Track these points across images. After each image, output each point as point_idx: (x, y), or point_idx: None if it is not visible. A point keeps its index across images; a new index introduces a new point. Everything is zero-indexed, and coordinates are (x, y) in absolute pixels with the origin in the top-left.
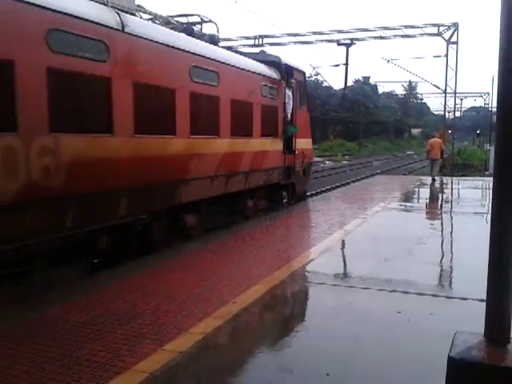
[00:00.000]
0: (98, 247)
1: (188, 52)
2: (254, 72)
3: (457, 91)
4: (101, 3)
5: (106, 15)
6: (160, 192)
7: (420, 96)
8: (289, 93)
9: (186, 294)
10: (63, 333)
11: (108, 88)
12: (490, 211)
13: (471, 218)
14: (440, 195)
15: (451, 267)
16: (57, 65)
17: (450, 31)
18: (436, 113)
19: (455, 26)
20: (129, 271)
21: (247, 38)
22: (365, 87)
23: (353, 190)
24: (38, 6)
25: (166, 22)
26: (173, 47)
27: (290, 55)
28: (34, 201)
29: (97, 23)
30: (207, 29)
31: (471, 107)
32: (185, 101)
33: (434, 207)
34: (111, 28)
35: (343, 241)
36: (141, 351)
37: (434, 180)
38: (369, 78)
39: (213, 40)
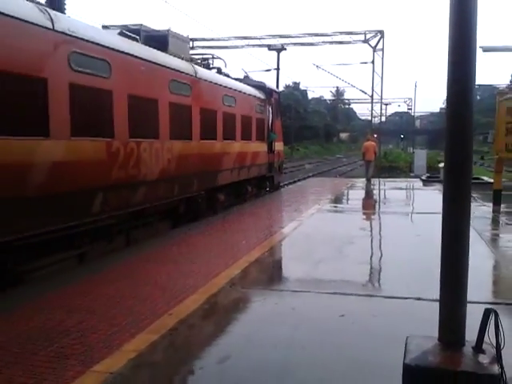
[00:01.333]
0: (179, 211)
1: (222, 86)
2: (251, 95)
3: (382, 97)
4: (180, 58)
5: (189, 67)
6: (210, 177)
7: (347, 102)
8: (270, 108)
9: (117, 308)
10: None
11: (190, 112)
12: (441, 211)
13: (402, 217)
14: (372, 196)
15: (387, 266)
16: (173, 100)
17: (376, 38)
18: (363, 118)
19: (381, 33)
20: (54, 284)
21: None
22: (295, 92)
23: (287, 193)
24: (164, 66)
25: (190, 60)
26: (216, 83)
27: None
28: (163, 179)
29: (187, 73)
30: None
31: (395, 112)
32: (220, 117)
33: (367, 208)
34: (191, 75)
35: (281, 244)
36: (66, 374)
37: (368, 181)
38: (299, 83)
39: (219, 71)
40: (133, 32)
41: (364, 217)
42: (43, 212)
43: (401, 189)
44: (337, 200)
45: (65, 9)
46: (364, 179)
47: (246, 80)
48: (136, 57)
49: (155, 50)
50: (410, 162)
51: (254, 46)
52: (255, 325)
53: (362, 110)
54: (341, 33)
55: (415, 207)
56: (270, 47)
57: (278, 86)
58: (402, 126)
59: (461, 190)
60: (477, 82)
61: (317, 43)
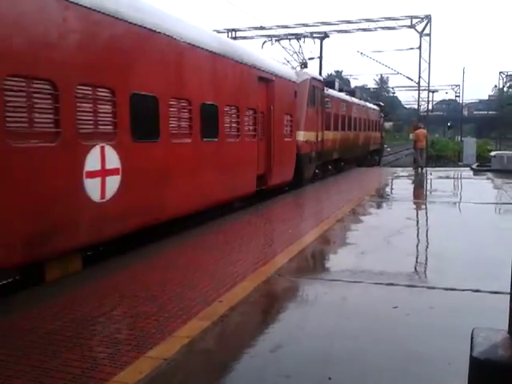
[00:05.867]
0: (359, 161)
1: (369, 108)
2: (375, 109)
3: (430, 84)
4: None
5: (366, 103)
6: (368, 147)
7: (391, 90)
8: (381, 114)
9: (167, 295)
10: (33, 341)
11: (365, 121)
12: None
13: (456, 207)
14: (424, 185)
15: (443, 257)
16: (363, 117)
17: (423, 23)
18: (407, 106)
19: (428, 18)
20: (104, 272)
21: (218, 31)
22: (338, 81)
23: (335, 182)
24: (365, 106)
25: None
26: (365, 106)
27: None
28: (360, 145)
29: (364, 106)
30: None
31: (441, 100)
32: (369, 121)
33: (422, 197)
34: (364, 106)
35: (334, 231)
36: (121, 360)
37: (421, 168)
38: (341, 72)
39: (354, 95)
40: (330, 83)
41: (420, 206)
42: (344, 151)
43: (452, 178)
44: (388, 190)
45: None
46: (411, 168)
47: (370, 101)
48: (357, 104)
49: (363, 102)
50: (458, 151)
51: (296, 34)
52: (306, 314)
53: (406, 98)
54: (386, 18)
55: (469, 197)
56: (312, 35)
57: (320, 75)
58: (448, 115)
59: None
60: None
61: (361, 30)
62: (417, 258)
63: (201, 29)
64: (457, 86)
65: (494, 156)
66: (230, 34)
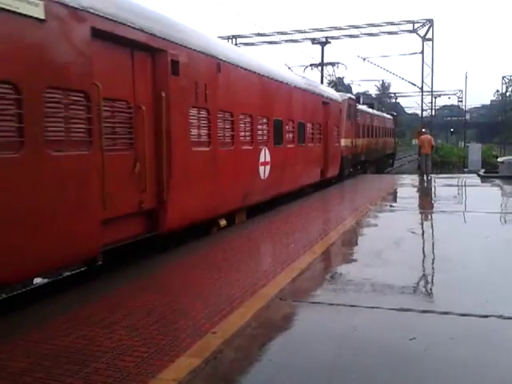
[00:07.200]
0: (377, 162)
1: (385, 117)
2: (389, 119)
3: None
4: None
5: (383, 114)
6: (383, 151)
7: (393, 95)
8: (394, 122)
9: (156, 324)
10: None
11: (382, 129)
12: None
13: (470, 218)
14: (432, 194)
15: (461, 275)
16: (381, 125)
17: (425, 28)
18: (409, 112)
19: (430, 22)
20: (86, 297)
21: (221, 38)
22: (339, 88)
23: (346, 188)
24: (383, 116)
25: (380, 110)
26: (382, 116)
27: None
28: (378, 149)
29: (379, 115)
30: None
31: (443, 105)
32: (384, 129)
33: (432, 207)
34: (380, 116)
35: (342, 241)
36: None
37: (426, 176)
38: (343, 78)
39: (372, 107)
40: (356, 99)
41: (433, 216)
42: (368, 154)
43: (459, 186)
44: (399, 198)
45: None
46: (416, 176)
47: (387, 112)
48: (378, 115)
49: (381, 112)
50: (463, 156)
51: (297, 40)
52: (313, 349)
53: (408, 104)
54: (387, 23)
55: (479, 206)
56: (313, 41)
57: (322, 82)
58: (451, 120)
59: None
60: None
61: (362, 35)
62: (434, 278)
63: (296, 75)
64: (459, 91)
65: (502, 162)
66: (232, 40)
